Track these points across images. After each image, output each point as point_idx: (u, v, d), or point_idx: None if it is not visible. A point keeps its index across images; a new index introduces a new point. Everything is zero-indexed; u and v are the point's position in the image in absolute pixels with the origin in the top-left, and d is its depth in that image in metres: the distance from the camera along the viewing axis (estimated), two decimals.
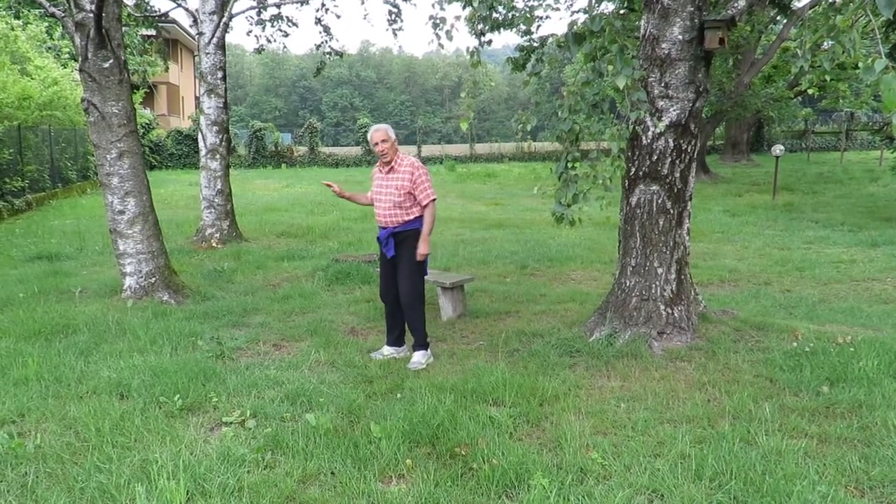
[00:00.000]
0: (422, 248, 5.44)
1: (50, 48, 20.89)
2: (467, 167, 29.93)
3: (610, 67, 3.54)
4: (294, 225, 13.11)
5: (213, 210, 11.43)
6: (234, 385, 4.90)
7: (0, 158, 14.16)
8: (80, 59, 7.25)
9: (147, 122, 30.61)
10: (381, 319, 6.69)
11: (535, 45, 8.21)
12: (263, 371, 5.23)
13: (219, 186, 11.47)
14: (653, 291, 5.75)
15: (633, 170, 5.61)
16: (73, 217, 14.54)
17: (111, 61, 7.24)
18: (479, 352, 5.73)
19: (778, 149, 17.32)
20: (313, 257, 10.00)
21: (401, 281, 5.55)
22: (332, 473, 3.69)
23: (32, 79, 18.13)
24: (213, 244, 11.02)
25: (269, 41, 13.60)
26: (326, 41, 13.37)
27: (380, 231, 5.60)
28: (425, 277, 5.72)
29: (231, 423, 4.31)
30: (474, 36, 4.71)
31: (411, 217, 5.46)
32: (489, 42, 9.65)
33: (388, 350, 5.76)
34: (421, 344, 5.61)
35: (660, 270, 5.73)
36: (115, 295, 7.47)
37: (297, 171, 30.89)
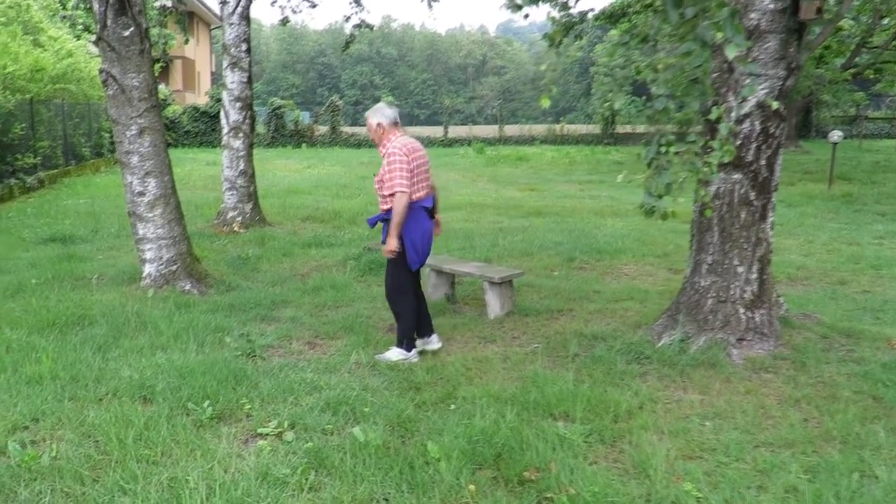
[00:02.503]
0: (388, 244, 5.08)
1: (64, 17, 20.65)
2: (497, 150, 29.44)
3: (719, 35, 3.13)
4: (319, 209, 12.78)
5: (235, 192, 11.11)
6: (268, 390, 4.56)
7: (12, 133, 13.93)
8: (98, 26, 6.92)
9: (163, 97, 30.42)
10: None
11: (575, 20, 7.76)
12: (299, 374, 4.89)
13: (241, 167, 11.14)
14: (731, 293, 5.32)
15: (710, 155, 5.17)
16: (87, 196, 14.31)
17: (132, 29, 6.91)
18: (536, 356, 5.35)
19: (836, 135, 16.68)
20: (342, 245, 9.65)
21: (386, 272, 5.38)
22: (386, 500, 3.34)
23: (45, 50, 17.89)
24: (236, 228, 10.71)
25: (294, 12, 13.20)
26: (356, 12, 12.96)
27: None
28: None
29: (267, 434, 3.98)
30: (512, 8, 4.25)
31: (389, 206, 5.10)
32: (525, 16, 9.16)
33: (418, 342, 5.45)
34: (399, 341, 5.29)
35: (740, 269, 5.31)
36: (133, 283, 7.17)
37: (317, 150, 30.56)
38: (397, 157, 5.00)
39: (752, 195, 5.22)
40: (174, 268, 7.13)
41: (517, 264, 8.39)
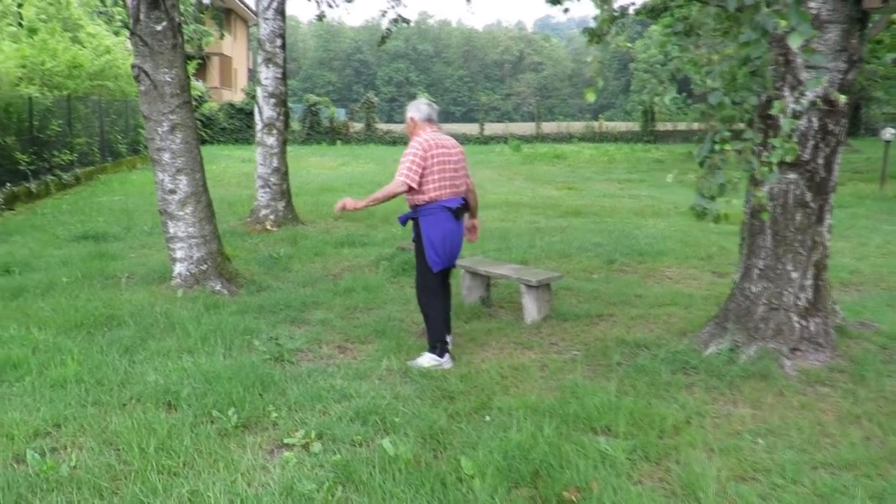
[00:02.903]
0: (347, 202, 5.05)
1: (101, 13, 20.85)
2: (534, 147, 29.14)
3: (783, 23, 2.89)
4: None
5: (268, 189, 11.05)
6: (295, 397, 4.42)
7: (49, 130, 14.07)
8: (131, 20, 6.86)
9: (199, 94, 30.66)
10: (457, 321, 6.21)
11: (616, 14, 7.49)
12: (328, 380, 4.74)
13: (275, 164, 11.07)
14: (784, 299, 5.04)
15: (766, 154, 4.90)
16: (122, 193, 14.40)
17: (164, 23, 6.83)
18: (575, 364, 5.14)
19: (889, 132, 16.11)
20: (375, 244, 9.51)
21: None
22: None
23: (84, 47, 18.08)
24: (268, 226, 10.65)
25: (330, 6, 13.10)
26: (393, 7, 12.81)
27: None
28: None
29: (293, 445, 3.83)
30: None
31: (413, 203, 5.06)
32: (565, 10, 8.88)
33: None
34: (431, 346, 5.16)
35: (794, 275, 5.02)
36: (163, 282, 7.10)
37: (352, 148, 30.57)
38: (412, 150, 4.93)
39: (809, 196, 4.94)
40: (204, 267, 7.04)
41: (555, 266, 8.16)
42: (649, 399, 4.44)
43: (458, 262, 6.86)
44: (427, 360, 5.11)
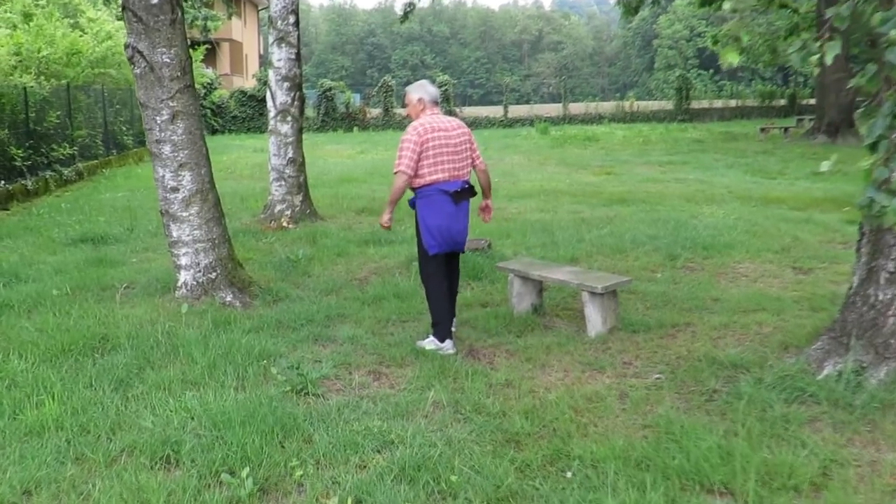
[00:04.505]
0: (382, 221, 5.28)
1: None
2: (562, 129, 28.18)
3: None
4: (375, 199, 11.88)
5: (283, 183, 10.26)
6: (324, 446, 3.64)
7: (47, 122, 13.38)
8: None
9: (209, 81, 29.97)
10: (507, 334, 5.47)
11: None
12: (363, 420, 3.95)
13: (290, 154, 10.28)
14: None
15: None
16: (127, 189, 13.70)
17: None
18: (661, 391, 4.32)
19: None
20: (403, 241, 8.70)
21: None
22: None
23: (84, 32, 17.37)
24: (284, 223, 9.88)
25: None
26: None
27: None
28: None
29: None
30: None
31: (412, 185, 5.12)
32: None
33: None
34: (432, 325, 5.21)
35: None
36: (166, 293, 6.35)
37: (370, 134, 29.77)
38: (407, 137, 5.05)
39: None
40: (213, 275, 6.28)
41: (609, 264, 7.33)
42: (766, 441, 3.62)
43: (506, 265, 6.08)
44: (429, 343, 5.13)
